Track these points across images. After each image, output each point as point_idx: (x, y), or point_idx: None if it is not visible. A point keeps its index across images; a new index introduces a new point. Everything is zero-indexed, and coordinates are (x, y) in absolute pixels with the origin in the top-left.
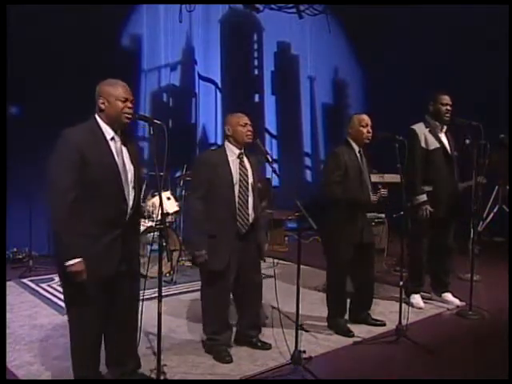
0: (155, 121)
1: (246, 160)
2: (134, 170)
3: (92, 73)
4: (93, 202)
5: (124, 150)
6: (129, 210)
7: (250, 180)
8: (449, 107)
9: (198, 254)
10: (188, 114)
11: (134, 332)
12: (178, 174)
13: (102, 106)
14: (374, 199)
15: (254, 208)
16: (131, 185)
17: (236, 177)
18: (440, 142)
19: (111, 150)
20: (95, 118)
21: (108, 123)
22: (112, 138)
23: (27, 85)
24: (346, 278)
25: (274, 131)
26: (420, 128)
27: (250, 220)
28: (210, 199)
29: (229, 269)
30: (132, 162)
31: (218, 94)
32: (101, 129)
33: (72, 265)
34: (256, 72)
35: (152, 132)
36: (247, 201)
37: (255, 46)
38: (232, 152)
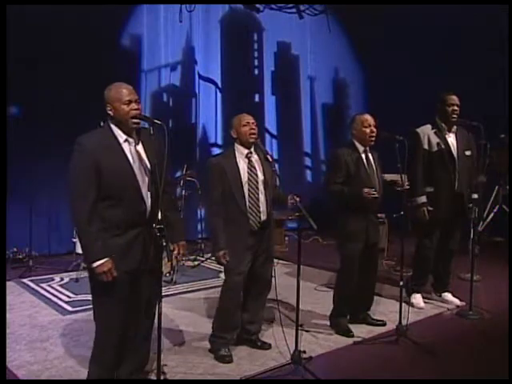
0: (155, 121)
1: (255, 158)
2: (152, 170)
3: (92, 73)
4: (111, 204)
5: (141, 150)
6: (148, 210)
7: (260, 178)
8: (455, 107)
9: (216, 255)
10: (188, 114)
11: (149, 332)
12: (178, 174)
13: (110, 113)
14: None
15: (266, 205)
16: (149, 185)
17: (244, 176)
18: (445, 143)
19: (125, 154)
20: (108, 124)
21: (119, 127)
22: (125, 141)
23: (27, 85)
24: (353, 278)
25: (274, 131)
26: (424, 130)
27: (263, 217)
28: (223, 201)
29: (244, 267)
30: (151, 162)
31: (218, 94)
32: (113, 133)
33: (99, 265)
34: (256, 72)
35: (152, 132)
36: (258, 198)
37: (255, 46)
38: (240, 153)
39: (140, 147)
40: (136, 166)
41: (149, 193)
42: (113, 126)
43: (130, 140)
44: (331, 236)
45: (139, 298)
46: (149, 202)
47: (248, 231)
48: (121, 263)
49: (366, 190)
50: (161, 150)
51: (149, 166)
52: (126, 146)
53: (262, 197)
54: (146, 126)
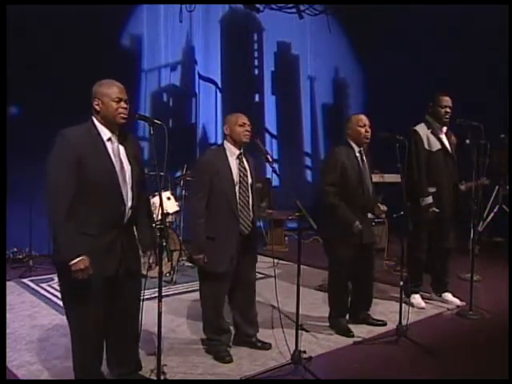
0: (155, 121)
1: (245, 161)
2: (132, 170)
3: (92, 73)
4: (90, 203)
5: (122, 150)
6: (127, 211)
7: (250, 181)
8: (448, 109)
9: (195, 257)
10: (188, 114)
11: (135, 333)
12: (178, 174)
13: (97, 108)
14: (380, 210)
15: (253, 208)
16: (129, 185)
17: (236, 177)
18: (441, 143)
19: (108, 152)
20: (92, 120)
21: (104, 124)
22: (109, 139)
23: (27, 85)
24: (347, 278)
25: (274, 131)
26: (422, 129)
27: (250, 220)
28: (212, 200)
29: (231, 271)
30: (130, 162)
31: (218, 94)
32: (97, 130)
33: (76, 263)
34: (256, 72)
35: (152, 132)
36: (248, 201)
37: (255, 46)
38: (231, 152)
39: (122, 148)
40: (118, 166)
41: (130, 194)
42: (97, 123)
43: (113, 139)
44: (320, 235)
45: (120, 300)
46: (129, 203)
47: (237, 233)
48: (99, 265)
49: (357, 223)
50: (136, 158)
51: (130, 167)
52: (109, 145)
53: (250, 200)
54: (146, 125)
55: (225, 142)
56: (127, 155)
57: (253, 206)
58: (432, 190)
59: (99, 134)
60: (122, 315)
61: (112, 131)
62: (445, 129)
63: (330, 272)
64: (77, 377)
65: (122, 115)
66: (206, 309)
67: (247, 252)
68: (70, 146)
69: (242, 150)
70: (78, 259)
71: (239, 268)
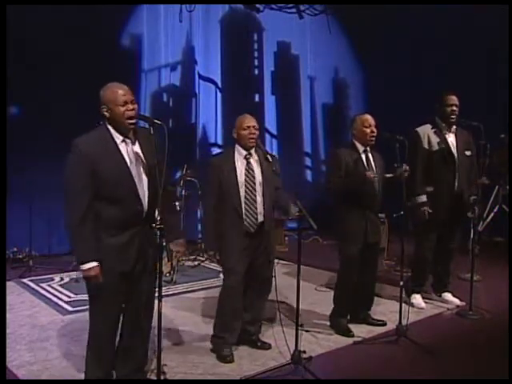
0: (155, 121)
1: (254, 159)
2: (149, 169)
3: (92, 73)
4: (107, 206)
5: (138, 149)
6: (144, 210)
7: (258, 179)
8: (454, 108)
9: (209, 253)
10: (188, 114)
11: (146, 330)
12: (178, 174)
13: (106, 114)
14: (371, 175)
15: (263, 206)
16: (146, 185)
17: (241, 177)
18: (445, 142)
19: (121, 154)
20: (105, 125)
21: (116, 128)
22: (123, 141)
23: (27, 85)
24: (352, 278)
25: (274, 131)
26: (424, 129)
27: (260, 218)
28: (221, 200)
29: (241, 267)
30: (147, 161)
31: (218, 94)
32: (111, 134)
33: (87, 269)
34: (256, 72)
35: (152, 132)
36: (255, 201)
37: (255, 46)
38: (239, 153)
39: (137, 147)
40: (133, 167)
41: (146, 193)
42: (110, 127)
43: (127, 140)
44: (332, 236)
45: (136, 298)
46: (146, 202)
47: (243, 232)
48: (116, 264)
49: (367, 172)
50: (160, 150)
51: (146, 166)
52: (123, 147)
53: (259, 198)
54: (146, 125)
55: (235, 144)
56: (144, 154)
57: (263, 204)
58: (429, 189)
59: (112, 138)
60: (136, 313)
61: (125, 133)
62: (453, 128)
63: (339, 272)
64: (87, 375)
65: (130, 118)
66: (219, 306)
67: (260, 252)
68: (81, 156)
69: (251, 151)
70: (88, 266)
71: (252, 267)
